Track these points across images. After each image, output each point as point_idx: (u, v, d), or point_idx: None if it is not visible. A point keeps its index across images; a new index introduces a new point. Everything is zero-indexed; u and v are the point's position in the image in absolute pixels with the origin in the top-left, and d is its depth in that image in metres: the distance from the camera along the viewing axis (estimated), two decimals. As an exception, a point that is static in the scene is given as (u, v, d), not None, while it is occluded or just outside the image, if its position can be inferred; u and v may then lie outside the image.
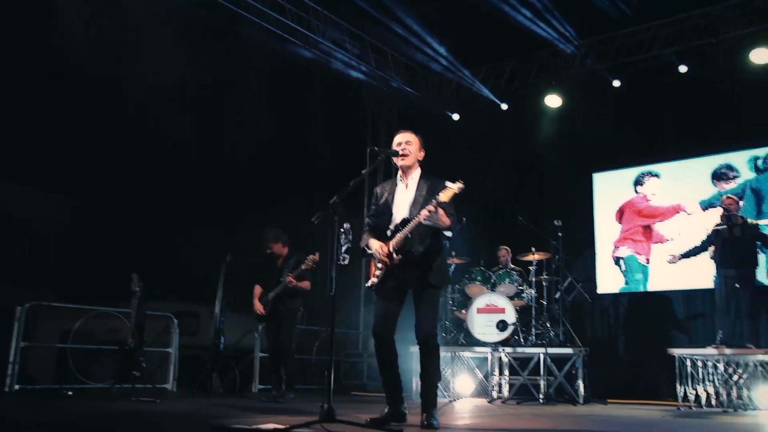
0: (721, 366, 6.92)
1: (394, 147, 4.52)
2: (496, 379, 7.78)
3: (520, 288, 8.28)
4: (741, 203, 8.26)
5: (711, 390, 6.93)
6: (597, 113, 9.97)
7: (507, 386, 7.74)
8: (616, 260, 9.86)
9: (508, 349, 7.70)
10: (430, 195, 4.31)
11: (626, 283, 9.76)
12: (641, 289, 9.62)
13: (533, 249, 8.26)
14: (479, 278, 8.33)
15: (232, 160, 9.83)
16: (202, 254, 9.39)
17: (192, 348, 8.71)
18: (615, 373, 8.82)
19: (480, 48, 10.16)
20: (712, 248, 7.73)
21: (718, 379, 6.95)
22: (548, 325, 8.00)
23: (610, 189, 10.15)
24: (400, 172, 4.57)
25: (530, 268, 8.28)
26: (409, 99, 11.24)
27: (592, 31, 9.61)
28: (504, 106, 10.78)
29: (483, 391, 7.97)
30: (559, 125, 10.39)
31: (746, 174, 9.09)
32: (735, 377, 6.88)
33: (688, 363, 7.03)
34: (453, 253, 8.36)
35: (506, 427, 4.72)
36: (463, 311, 8.28)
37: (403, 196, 4.48)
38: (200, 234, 9.82)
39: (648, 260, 9.62)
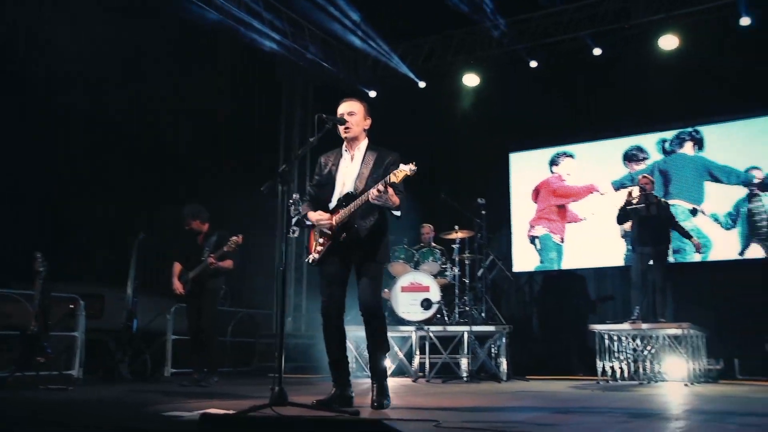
0: (638, 341, 7.19)
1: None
2: (417, 358, 7.76)
3: (444, 266, 8.29)
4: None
5: (624, 365, 7.21)
6: (514, 93, 10.06)
7: (428, 365, 7.71)
8: (532, 239, 10.06)
9: (433, 328, 7.68)
10: (377, 169, 4.18)
11: (541, 261, 9.97)
12: (555, 267, 9.86)
13: (456, 227, 8.27)
14: (402, 256, 8.27)
15: (142, 134, 9.27)
16: (106, 232, 8.85)
17: (96, 332, 8.19)
18: (531, 350, 9.00)
19: (399, 25, 10.06)
20: (626, 226, 8.00)
21: (631, 353, 7.23)
22: (471, 303, 8.05)
23: (526, 169, 10.32)
24: (345, 143, 4.38)
25: (453, 246, 8.28)
26: (326, 74, 10.99)
27: (511, 11, 9.66)
28: (422, 84, 10.74)
29: (401, 370, 7.91)
30: (476, 104, 10.46)
31: (655, 156, 9.46)
32: (646, 351, 7.18)
33: (606, 338, 7.26)
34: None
35: (443, 405, 4.65)
36: (386, 290, 8.19)
37: (349, 169, 4.31)
38: (103, 210, 9.24)
39: (562, 239, 9.86)
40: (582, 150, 9.98)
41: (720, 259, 8.74)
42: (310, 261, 4.32)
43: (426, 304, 7.74)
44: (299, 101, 11.43)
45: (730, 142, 8.98)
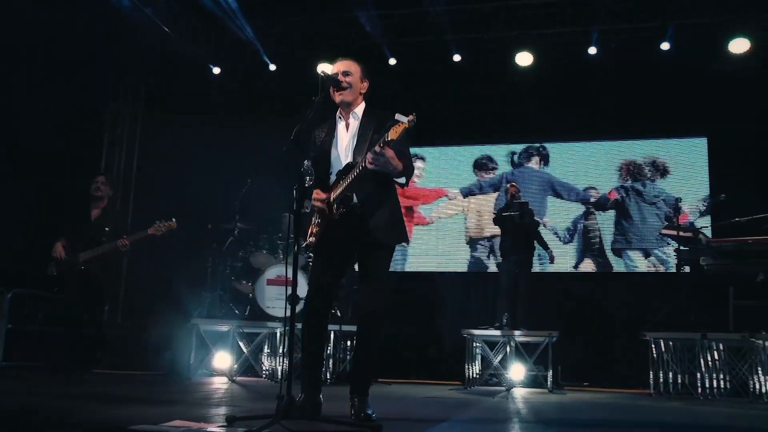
0: (508, 347, 7.44)
1: (330, 84, 3.88)
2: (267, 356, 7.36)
3: (309, 260, 7.95)
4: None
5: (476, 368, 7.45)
6: (371, 88, 10.00)
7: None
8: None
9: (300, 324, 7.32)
10: (378, 133, 3.69)
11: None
12: (399, 269, 9.95)
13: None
14: (267, 247, 7.82)
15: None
16: None
17: None
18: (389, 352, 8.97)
19: (263, 3, 9.55)
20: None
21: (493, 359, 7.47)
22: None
23: (376, 167, 10.30)
24: (339, 110, 3.93)
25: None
26: (169, 43, 10.05)
27: (380, 4, 9.59)
28: (272, 67, 10.29)
29: (245, 368, 7.42)
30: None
31: (504, 167, 9.96)
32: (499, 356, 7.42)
33: (476, 343, 7.42)
34: (237, 216, 7.73)
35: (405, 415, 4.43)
36: (244, 282, 7.70)
37: (345, 138, 3.86)
38: None
39: (408, 241, 9.97)
40: (434, 153, 10.22)
41: (557, 271, 9.41)
42: (305, 245, 3.84)
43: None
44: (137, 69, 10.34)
45: (572, 161, 9.73)
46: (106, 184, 6.13)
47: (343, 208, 3.69)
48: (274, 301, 7.39)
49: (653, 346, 6.78)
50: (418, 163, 10.20)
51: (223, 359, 7.41)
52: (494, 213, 9.36)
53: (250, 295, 7.50)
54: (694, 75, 9.02)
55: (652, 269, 9.19)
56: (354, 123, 3.89)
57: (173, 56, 10.17)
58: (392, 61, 10.03)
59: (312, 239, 3.83)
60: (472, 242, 9.84)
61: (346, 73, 3.89)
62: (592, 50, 9.44)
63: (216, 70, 10.43)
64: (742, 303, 6.71)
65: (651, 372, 6.79)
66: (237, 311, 7.68)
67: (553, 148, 9.85)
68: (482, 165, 10.04)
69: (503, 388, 7.11)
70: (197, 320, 7.21)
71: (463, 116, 10.03)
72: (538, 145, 9.92)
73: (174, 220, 6.00)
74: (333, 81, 3.82)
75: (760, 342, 6.27)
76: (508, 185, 8.28)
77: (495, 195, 9.90)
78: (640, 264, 9.25)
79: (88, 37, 9.67)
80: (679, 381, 6.75)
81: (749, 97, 8.80)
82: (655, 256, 9.21)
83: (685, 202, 9.01)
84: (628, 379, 7.84)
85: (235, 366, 7.21)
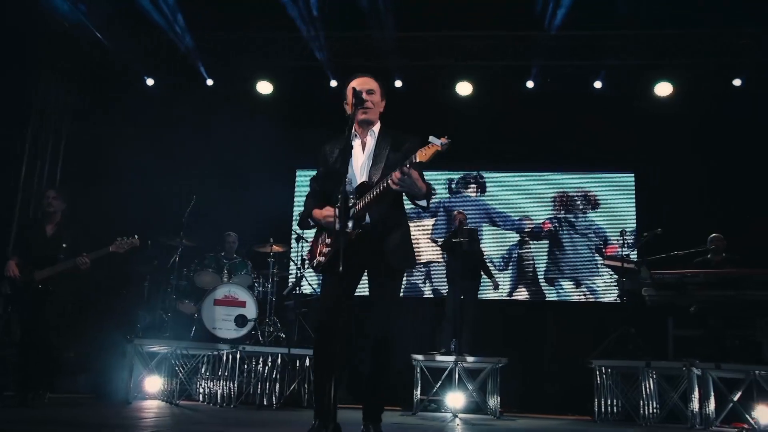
0: (456, 373, 7.51)
1: (351, 98, 3.85)
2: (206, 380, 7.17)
3: (256, 280, 7.83)
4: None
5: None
6: (307, 106, 10.03)
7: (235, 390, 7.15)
8: (303, 261, 9.96)
9: (249, 348, 7.18)
10: (394, 153, 3.74)
11: (319, 285, 9.94)
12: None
13: (272, 240, 7.91)
14: (213, 266, 7.62)
15: None
16: None
17: None
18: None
19: (206, 14, 9.37)
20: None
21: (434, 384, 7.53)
22: (277, 322, 7.73)
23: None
24: (355, 127, 3.89)
25: (269, 260, 7.89)
26: (100, 50, 9.67)
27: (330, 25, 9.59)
28: (209, 82, 10.10)
29: (175, 392, 7.17)
30: (269, 115, 10.11)
31: (441, 193, 10.15)
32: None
33: (423, 370, 7.46)
34: (182, 233, 7.51)
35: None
36: (186, 302, 7.48)
37: (361, 157, 3.84)
38: None
39: (415, 266, 9.97)
40: (372, 178, 10.26)
41: (493, 298, 9.62)
42: (314, 265, 3.77)
43: (241, 321, 7.23)
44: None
45: (508, 190, 10.05)
46: (58, 198, 5.83)
47: (360, 229, 3.66)
48: (221, 322, 7.20)
49: (597, 373, 7.06)
50: (356, 186, 10.22)
51: (153, 382, 7.16)
52: (433, 239, 9.54)
53: (196, 315, 7.28)
54: (624, 113, 9.54)
55: (583, 298, 9.59)
56: (371, 142, 3.88)
57: (104, 64, 9.82)
58: (333, 83, 10.07)
59: (321, 258, 3.76)
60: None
61: (370, 92, 3.88)
62: (530, 84, 9.82)
63: (149, 82, 10.14)
64: (678, 333, 7.09)
65: (595, 398, 7.05)
66: (177, 332, 7.41)
67: (490, 177, 10.14)
68: (420, 191, 10.16)
69: (447, 414, 7.20)
70: (139, 341, 6.93)
71: (402, 141, 10.12)
72: (475, 173, 10.19)
73: (137, 237, 5.79)
74: (358, 99, 3.76)
75: (699, 371, 6.65)
76: (456, 212, 8.45)
77: (432, 221, 10.07)
78: (572, 293, 9.63)
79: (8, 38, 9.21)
80: (618, 407, 7.06)
81: (672, 137, 9.42)
82: (585, 285, 9.61)
83: (613, 235, 9.51)
84: (570, 405, 8.11)
85: (176, 389, 6.98)
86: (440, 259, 9.88)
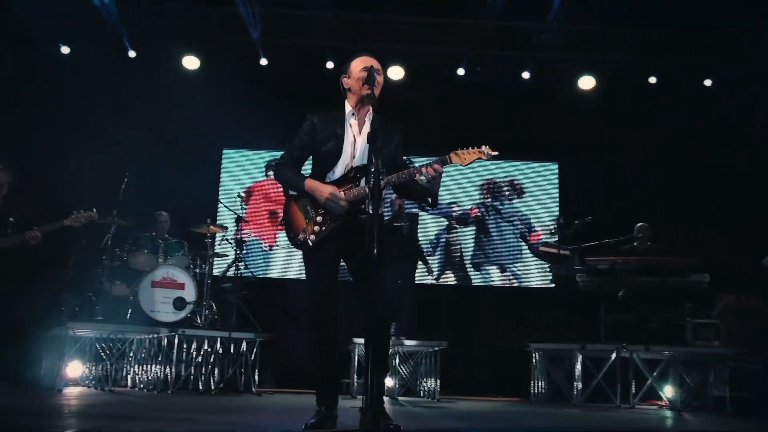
0: (397, 357, 7.64)
1: (359, 72, 3.82)
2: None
3: (192, 262, 7.64)
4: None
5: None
6: (236, 86, 9.82)
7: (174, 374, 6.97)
8: (239, 242, 9.80)
9: (189, 331, 7.01)
10: (387, 143, 3.84)
11: (246, 266, 9.78)
12: (261, 274, 9.79)
13: (209, 221, 7.74)
14: (148, 247, 7.37)
15: None
16: None
17: None
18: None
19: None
20: None
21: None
22: (213, 305, 7.59)
23: (240, 168, 10.09)
24: (353, 105, 3.88)
25: (206, 241, 7.71)
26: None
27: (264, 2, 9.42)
28: (132, 54, 9.69)
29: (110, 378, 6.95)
30: (195, 90, 9.82)
31: (371, 177, 10.19)
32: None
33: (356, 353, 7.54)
34: (115, 212, 7.23)
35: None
36: (119, 283, 7.22)
37: (358, 139, 3.83)
38: None
39: (271, 246, 9.88)
40: (300, 159, 10.18)
41: (420, 283, 9.80)
42: (301, 241, 3.70)
43: (179, 303, 7.05)
44: None
45: (437, 176, 10.21)
46: (4, 170, 5.48)
47: (364, 214, 3.66)
48: (159, 305, 6.99)
49: (535, 356, 7.37)
50: (284, 168, 10.12)
51: (76, 368, 6.89)
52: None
53: (131, 297, 7.02)
54: (549, 105, 9.90)
55: (507, 283, 9.93)
56: (367, 124, 3.88)
57: (15, 30, 9.24)
58: (263, 62, 9.90)
59: (312, 236, 3.72)
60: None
61: (377, 72, 3.84)
62: (461, 71, 10.01)
63: (65, 50, 9.61)
64: (609, 317, 7.49)
65: (531, 380, 7.36)
66: (108, 315, 7.12)
67: (420, 162, 10.23)
68: (351, 175, 10.19)
69: (385, 398, 7.31)
70: (72, 324, 6.62)
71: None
72: (405, 157, 10.25)
73: (95, 210, 5.51)
74: (371, 75, 3.76)
75: (629, 353, 7.07)
76: (393, 197, 8.52)
77: (362, 205, 10.09)
78: (496, 278, 9.95)
79: None
80: (551, 389, 7.42)
81: (594, 130, 9.87)
82: (510, 271, 9.95)
83: (537, 222, 9.89)
84: (504, 388, 8.41)
85: (110, 375, 6.74)
86: (369, 243, 9.94)
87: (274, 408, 5.72)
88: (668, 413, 6.59)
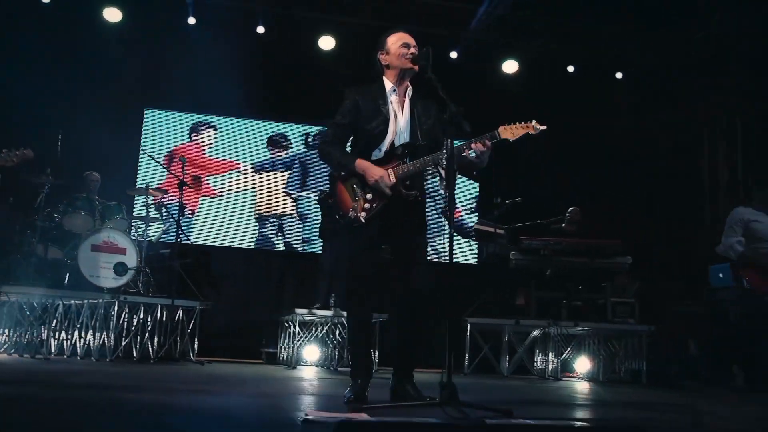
0: (326, 328, 7.77)
1: (399, 48, 3.85)
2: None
3: (130, 226, 7.42)
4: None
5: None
6: (163, 43, 9.52)
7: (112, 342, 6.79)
8: (159, 206, 9.55)
9: (131, 298, 6.83)
10: (426, 118, 3.85)
11: (167, 232, 9.57)
12: (183, 240, 9.57)
13: (147, 183, 7.53)
14: (86, 208, 7.08)
15: None
16: None
17: None
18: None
19: None
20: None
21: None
22: (148, 272, 7.43)
23: (162, 129, 9.80)
24: (393, 81, 3.90)
25: (145, 206, 7.52)
26: None
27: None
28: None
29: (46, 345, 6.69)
30: (118, 44, 9.39)
31: (298, 147, 10.21)
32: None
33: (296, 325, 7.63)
34: (49, 170, 6.90)
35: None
36: (51, 245, 6.92)
37: (401, 116, 3.86)
38: None
39: (194, 212, 9.70)
40: (227, 124, 10.04)
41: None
42: (351, 218, 3.73)
43: (121, 268, 6.85)
44: None
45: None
46: None
47: (417, 192, 3.76)
48: (99, 270, 6.76)
49: (470, 330, 7.75)
50: (209, 132, 9.95)
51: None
52: (287, 192, 9.64)
53: (69, 261, 6.75)
54: (478, 86, 10.24)
55: (428, 258, 10.26)
56: (407, 101, 3.92)
57: None
58: (192, 20, 9.61)
59: (363, 213, 3.73)
60: (261, 219, 9.93)
61: (416, 47, 3.88)
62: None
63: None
64: (539, 294, 7.98)
65: (466, 353, 7.74)
66: (39, 279, 6.80)
67: (347, 135, 10.35)
68: (276, 142, 10.16)
69: (320, 368, 7.49)
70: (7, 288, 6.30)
71: (261, 90, 9.95)
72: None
73: (29, 149, 5.22)
74: (414, 52, 3.83)
75: (555, 328, 7.61)
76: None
77: (287, 174, 10.10)
78: (418, 252, 10.25)
79: None
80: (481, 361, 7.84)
81: (518, 112, 10.30)
82: (431, 245, 10.29)
83: (457, 200, 10.26)
84: (436, 359, 8.72)
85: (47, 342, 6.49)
86: (293, 213, 9.99)
87: (237, 378, 5.73)
88: (589, 384, 7.15)
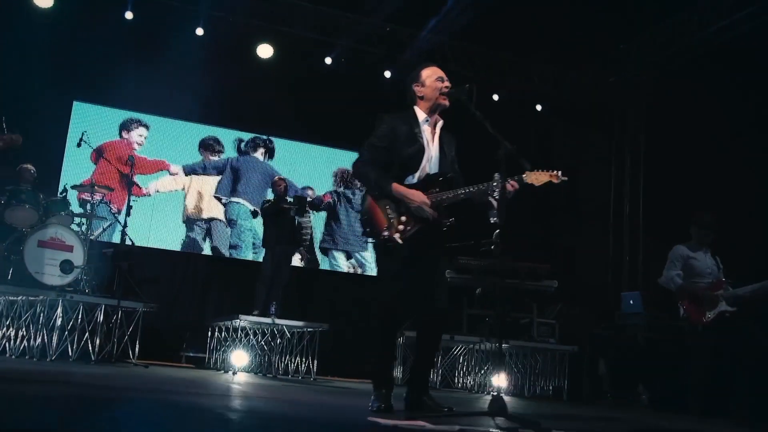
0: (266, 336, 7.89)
1: (434, 81, 4.08)
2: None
3: (75, 222, 7.24)
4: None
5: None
6: (98, 34, 9.31)
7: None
8: (83, 202, 9.29)
9: (77, 297, 6.68)
10: (450, 151, 4.11)
11: (105, 230, 9.29)
12: (106, 239, 9.36)
13: (94, 181, 7.40)
14: (30, 202, 6.85)
15: None
16: None
17: None
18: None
19: None
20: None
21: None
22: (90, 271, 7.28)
23: (91, 124, 9.52)
24: (426, 112, 4.09)
25: (89, 203, 7.41)
26: None
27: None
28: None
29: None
30: (47, 32, 9.06)
31: (230, 152, 10.22)
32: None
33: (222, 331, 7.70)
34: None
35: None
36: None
37: (432, 146, 4.06)
38: None
39: (120, 210, 9.48)
40: (159, 123, 9.91)
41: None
42: (386, 237, 3.84)
43: (68, 267, 6.69)
44: None
45: (295, 159, 10.51)
46: None
47: (452, 219, 3.96)
48: (44, 267, 6.57)
49: (404, 343, 8.07)
50: (141, 130, 9.79)
51: None
52: (216, 197, 9.65)
53: (12, 256, 6.52)
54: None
55: (352, 270, 10.53)
56: (437, 132, 4.14)
57: None
58: (129, 15, 9.45)
59: (398, 235, 3.88)
60: (189, 222, 9.86)
61: (448, 81, 4.12)
62: (328, 60, 10.35)
63: None
64: (470, 312, 8.42)
65: (400, 365, 8.05)
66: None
67: (280, 144, 10.48)
68: (209, 146, 10.12)
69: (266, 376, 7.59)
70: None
71: (197, 92, 9.84)
72: (265, 137, 10.44)
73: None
74: (449, 89, 4.07)
75: (489, 345, 8.07)
76: (277, 178, 8.71)
77: (218, 178, 10.08)
78: (343, 264, 10.50)
79: None
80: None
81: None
82: (355, 258, 10.56)
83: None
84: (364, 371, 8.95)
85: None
86: (222, 218, 9.99)
87: (197, 382, 5.72)
88: (513, 399, 7.61)
